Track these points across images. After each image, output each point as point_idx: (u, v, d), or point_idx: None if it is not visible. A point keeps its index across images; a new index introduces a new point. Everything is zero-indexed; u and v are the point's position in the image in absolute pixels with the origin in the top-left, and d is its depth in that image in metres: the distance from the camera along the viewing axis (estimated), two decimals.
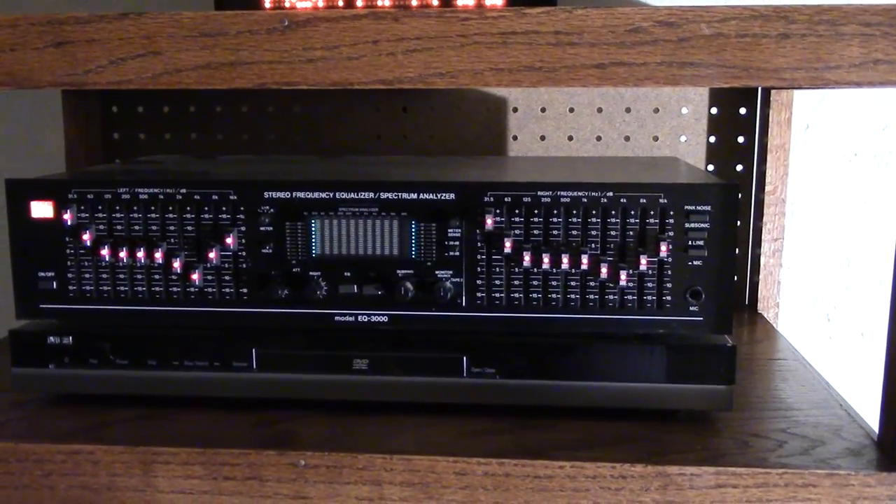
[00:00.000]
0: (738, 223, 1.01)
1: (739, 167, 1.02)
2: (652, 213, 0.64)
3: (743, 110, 1.01)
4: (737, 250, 1.02)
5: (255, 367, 0.68)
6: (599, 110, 1.01)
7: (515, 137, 1.03)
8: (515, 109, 1.02)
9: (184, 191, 0.67)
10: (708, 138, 1.01)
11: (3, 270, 0.71)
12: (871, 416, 0.67)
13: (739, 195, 1.01)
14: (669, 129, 1.01)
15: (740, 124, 1.01)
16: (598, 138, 1.02)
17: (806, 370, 0.79)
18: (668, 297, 0.65)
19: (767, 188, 0.98)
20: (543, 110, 1.02)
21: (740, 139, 1.01)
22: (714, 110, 1.01)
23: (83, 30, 0.58)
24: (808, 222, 1.07)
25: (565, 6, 0.56)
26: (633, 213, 0.64)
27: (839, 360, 1.09)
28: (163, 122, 1.06)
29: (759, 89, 0.99)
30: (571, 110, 1.02)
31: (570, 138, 1.02)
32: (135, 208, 0.67)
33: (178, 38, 0.58)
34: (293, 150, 1.05)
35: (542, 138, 1.03)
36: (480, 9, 0.56)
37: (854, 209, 1.06)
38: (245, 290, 0.67)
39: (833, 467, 0.59)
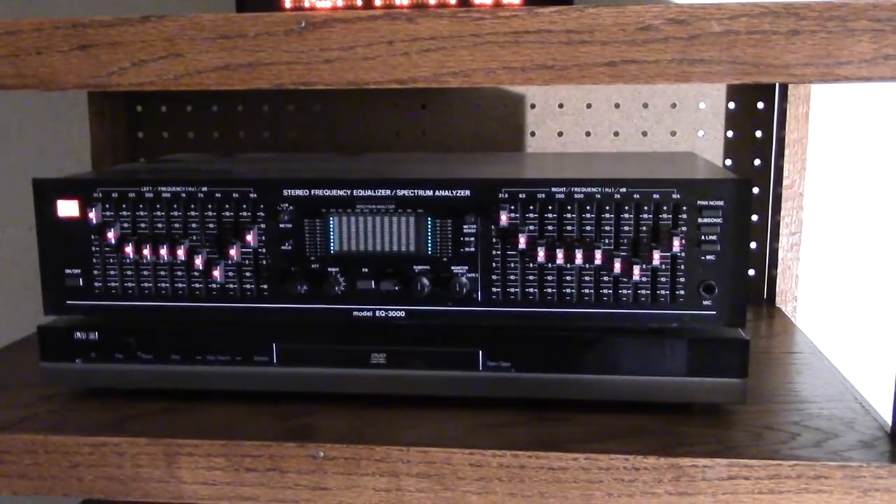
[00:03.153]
0: (756, 217, 1.02)
1: (757, 161, 1.02)
2: (665, 208, 0.65)
3: (760, 105, 1.01)
4: (754, 244, 1.02)
5: (275, 361, 0.69)
6: (617, 106, 1.02)
7: (533, 133, 1.04)
8: (533, 106, 1.03)
9: (205, 189, 0.68)
10: (725, 133, 1.01)
11: (32, 268, 0.73)
12: (889, 409, 0.67)
13: (755, 190, 1.01)
14: (687, 124, 1.01)
15: (758, 119, 1.01)
16: (616, 134, 1.03)
17: (822, 363, 0.79)
18: (682, 292, 0.65)
19: (785, 182, 0.98)
20: (561, 106, 1.03)
21: (758, 133, 1.01)
22: (731, 105, 1.01)
23: (106, 33, 0.60)
24: (828, 216, 1.07)
25: (577, 6, 0.57)
26: (646, 208, 0.65)
27: (859, 353, 1.09)
28: (186, 121, 1.08)
29: (777, 84, 0.99)
30: (589, 106, 1.02)
31: (588, 134, 1.03)
32: (157, 206, 0.69)
33: (198, 41, 0.59)
34: (314, 147, 1.06)
35: (560, 134, 1.03)
36: (493, 8, 0.57)
37: (874, 203, 1.06)
38: (265, 287, 0.69)
39: (845, 459, 0.59)
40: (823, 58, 0.55)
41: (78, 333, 0.71)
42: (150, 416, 0.69)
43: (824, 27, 0.55)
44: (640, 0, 0.99)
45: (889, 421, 0.64)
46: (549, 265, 0.66)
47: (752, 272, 1.03)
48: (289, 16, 0.58)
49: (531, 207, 0.66)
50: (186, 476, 0.64)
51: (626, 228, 0.65)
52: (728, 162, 1.02)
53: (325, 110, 1.06)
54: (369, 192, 0.67)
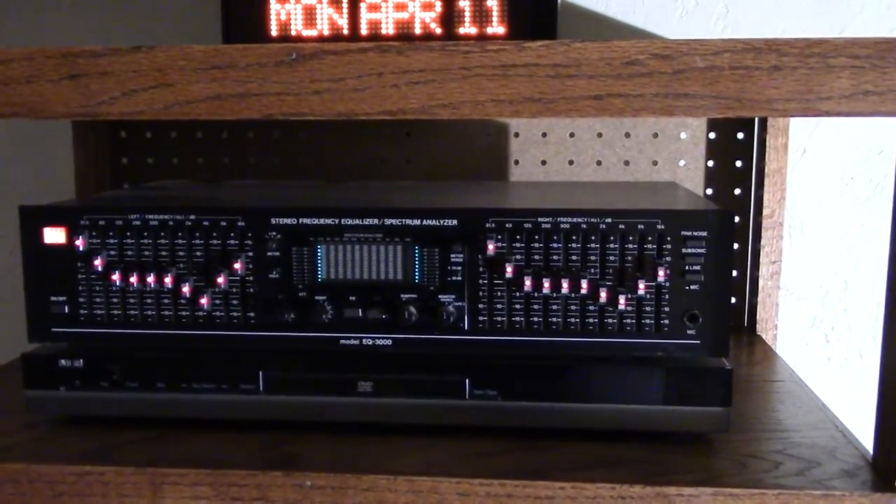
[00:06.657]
0: (737, 246, 1.03)
1: (738, 191, 1.03)
2: (650, 238, 0.66)
3: (741, 135, 1.02)
4: (735, 273, 1.03)
5: (261, 389, 0.69)
6: (599, 135, 1.03)
7: (517, 162, 1.05)
8: (517, 135, 1.04)
9: (193, 217, 0.68)
10: (706, 162, 1.03)
11: (17, 295, 0.72)
12: (870, 437, 0.68)
13: (736, 221, 1.03)
14: (668, 154, 1.03)
15: (738, 149, 1.03)
16: (599, 163, 1.04)
17: (802, 391, 0.80)
18: (666, 321, 0.66)
19: (765, 212, 1.00)
20: (544, 135, 1.04)
21: (738, 163, 1.03)
22: (712, 135, 1.02)
23: (97, 63, 0.60)
24: (807, 245, 1.08)
25: (563, 40, 0.58)
26: (631, 238, 0.66)
27: (838, 381, 1.10)
28: (170, 147, 1.08)
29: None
30: (572, 135, 1.04)
31: (571, 163, 1.04)
32: (145, 234, 0.69)
33: (188, 71, 0.59)
34: (298, 174, 1.07)
35: (543, 163, 1.04)
36: (482, 42, 0.58)
37: (851, 232, 1.08)
38: (252, 314, 0.69)
39: (828, 488, 0.60)
40: (805, 93, 0.56)
41: (62, 361, 0.70)
42: (135, 444, 0.69)
43: (805, 63, 0.56)
44: (626, 36, 1.00)
45: (871, 450, 0.65)
46: (536, 294, 0.67)
47: (733, 300, 1.04)
48: (279, 48, 0.59)
49: (518, 237, 0.66)
50: None
51: (611, 258, 0.66)
52: (709, 191, 1.03)
53: (311, 138, 1.06)
54: (357, 221, 0.68)
